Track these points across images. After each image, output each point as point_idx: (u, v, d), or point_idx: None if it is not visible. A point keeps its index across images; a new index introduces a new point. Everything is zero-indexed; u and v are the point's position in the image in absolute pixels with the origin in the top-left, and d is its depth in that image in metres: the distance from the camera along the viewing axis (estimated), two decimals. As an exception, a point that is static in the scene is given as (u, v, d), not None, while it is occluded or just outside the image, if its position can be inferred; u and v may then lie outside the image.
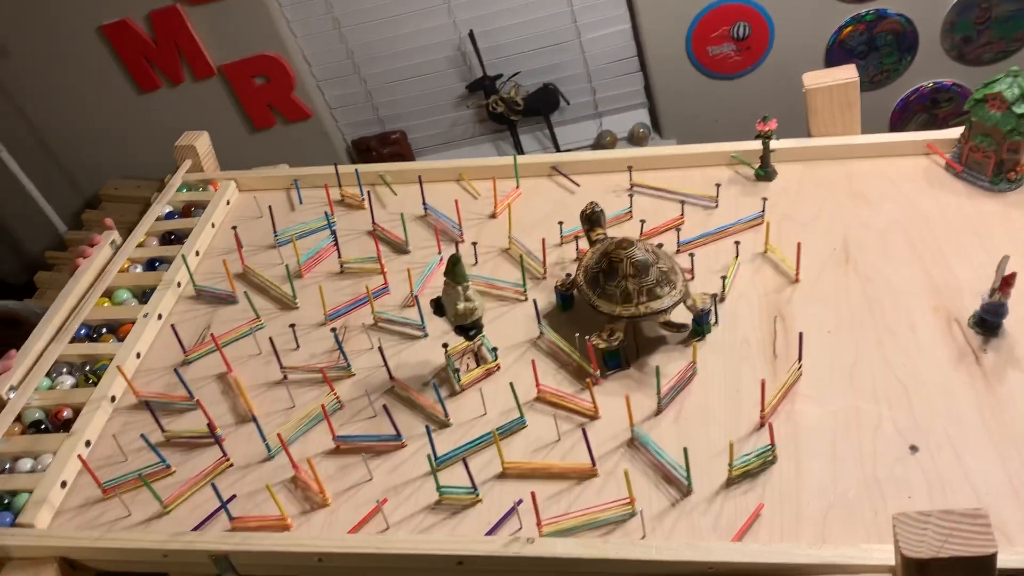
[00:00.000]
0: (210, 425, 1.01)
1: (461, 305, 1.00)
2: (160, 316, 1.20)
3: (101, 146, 2.77)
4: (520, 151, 2.66)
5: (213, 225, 1.35)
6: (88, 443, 1.04)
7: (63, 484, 0.99)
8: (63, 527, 0.96)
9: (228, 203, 1.40)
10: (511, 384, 0.98)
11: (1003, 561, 0.72)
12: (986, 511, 0.72)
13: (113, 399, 1.09)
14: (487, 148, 2.73)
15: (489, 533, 0.88)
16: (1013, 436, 0.88)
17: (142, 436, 1.00)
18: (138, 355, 1.15)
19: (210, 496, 0.95)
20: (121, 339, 1.16)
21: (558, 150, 2.64)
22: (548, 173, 1.35)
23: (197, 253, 1.30)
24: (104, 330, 1.19)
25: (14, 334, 1.20)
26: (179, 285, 1.25)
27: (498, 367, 1.05)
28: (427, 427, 0.95)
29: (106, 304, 1.22)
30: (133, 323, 1.18)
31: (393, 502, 0.93)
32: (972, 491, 0.84)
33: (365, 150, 2.71)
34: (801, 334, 0.97)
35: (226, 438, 1.03)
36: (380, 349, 1.06)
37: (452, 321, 1.02)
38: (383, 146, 2.71)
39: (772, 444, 0.89)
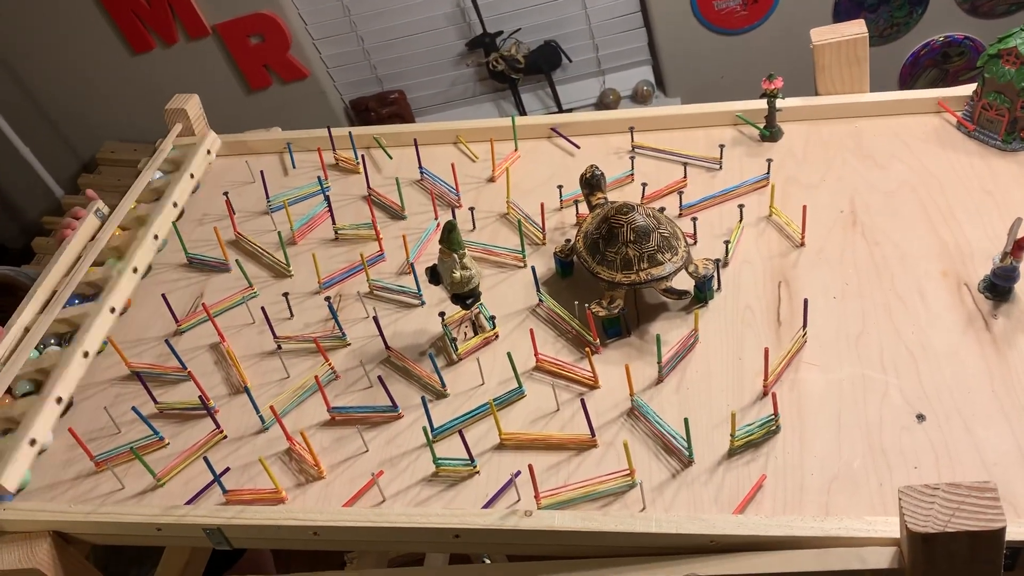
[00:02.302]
0: (203, 397, 0.99)
1: (457, 273, 0.97)
2: (135, 269, 1.18)
3: (96, 109, 2.73)
4: (522, 110, 2.61)
5: (192, 176, 1.32)
6: (59, 400, 1.03)
7: (32, 442, 0.98)
8: (56, 501, 0.95)
9: (208, 153, 1.37)
10: (508, 354, 0.95)
11: (1012, 534, 0.70)
12: (994, 484, 0.70)
13: (86, 354, 1.08)
14: (488, 107, 2.69)
15: (486, 506, 0.86)
16: (1022, 405, 0.86)
17: (133, 409, 0.98)
18: (112, 310, 1.14)
19: (204, 468, 0.93)
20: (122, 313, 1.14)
21: (560, 109, 2.60)
22: (547, 135, 1.32)
23: (175, 204, 1.27)
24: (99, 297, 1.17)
25: (10, 301, 1.18)
26: (156, 238, 1.23)
27: (496, 336, 1.03)
28: (423, 398, 0.93)
29: (95, 272, 1.20)
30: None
31: (389, 474, 0.91)
32: (980, 461, 0.82)
33: (363, 111, 2.66)
34: (806, 300, 0.94)
35: (220, 410, 1.02)
36: (375, 318, 1.03)
37: (448, 290, 1.00)
38: (381, 106, 2.66)
39: (775, 414, 0.87)
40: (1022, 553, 0.74)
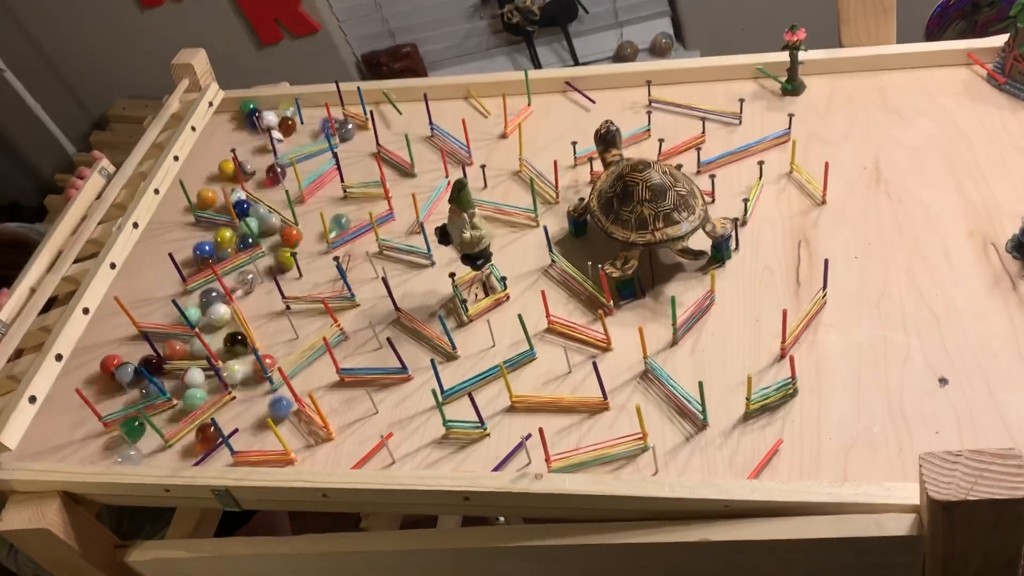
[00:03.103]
0: (210, 358, 0.98)
1: (467, 233, 0.95)
2: (136, 225, 1.16)
3: (106, 66, 2.70)
4: (537, 64, 2.56)
5: (193, 128, 1.30)
6: (59, 357, 1.02)
7: (32, 399, 0.98)
8: (66, 461, 0.95)
9: (211, 105, 1.34)
10: (519, 316, 0.93)
11: (1035, 502, 0.68)
12: (1019, 450, 0.68)
13: (86, 311, 1.07)
14: (502, 61, 2.63)
15: (496, 469, 0.85)
16: (1050, 369, 0.83)
17: (140, 369, 0.98)
18: (112, 265, 1.13)
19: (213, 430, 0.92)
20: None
21: (576, 62, 2.54)
22: (562, 89, 1.28)
23: (176, 159, 1.25)
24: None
25: (25, 258, 1.17)
26: (156, 192, 1.22)
27: (507, 297, 1.01)
28: (432, 360, 0.91)
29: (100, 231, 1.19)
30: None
31: (399, 436, 0.90)
32: (1004, 426, 0.80)
33: (375, 65, 2.62)
34: (827, 261, 0.92)
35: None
36: (384, 279, 1.02)
37: (458, 250, 0.98)
38: (394, 61, 2.61)
39: (793, 377, 0.85)
40: (1046, 521, 0.72)
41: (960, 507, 0.66)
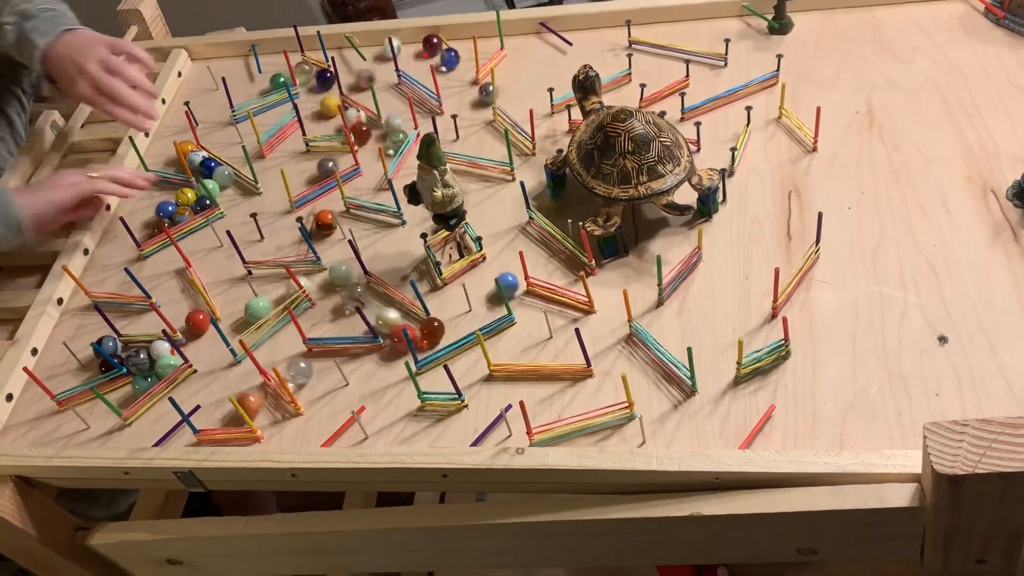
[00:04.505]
0: (166, 331, 0.91)
1: (438, 192, 0.89)
2: (108, 207, 1.09)
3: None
4: (510, 2, 2.46)
5: (164, 101, 1.21)
6: (35, 351, 0.95)
7: (8, 397, 0.91)
8: (17, 444, 0.89)
9: (179, 75, 1.26)
10: (497, 280, 0.88)
11: (1043, 469, 0.64)
12: (1030, 419, 0.64)
13: (60, 301, 1.00)
14: (476, 1, 2.52)
15: (475, 443, 0.81)
16: (1054, 324, 0.79)
17: (93, 345, 0.91)
18: (85, 251, 1.05)
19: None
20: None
21: (553, 2, 2.44)
22: (536, 31, 1.21)
23: (147, 135, 1.17)
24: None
25: None
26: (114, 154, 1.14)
27: (483, 258, 0.95)
28: (404, 331, 0.86)
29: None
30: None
31: (371, 410, 0.85)
32: (1007, 386, 0.76)
33: (340, 5, 2.50)
34: (820, 214, 0.86)
35: (188, 343, 0.94)
36: (351, 242, 0.95)
37: (429, 209, 0.91)
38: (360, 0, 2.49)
39: (786, 338, 0.81)
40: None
41: (967, 480, 0.63)
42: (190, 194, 1.07)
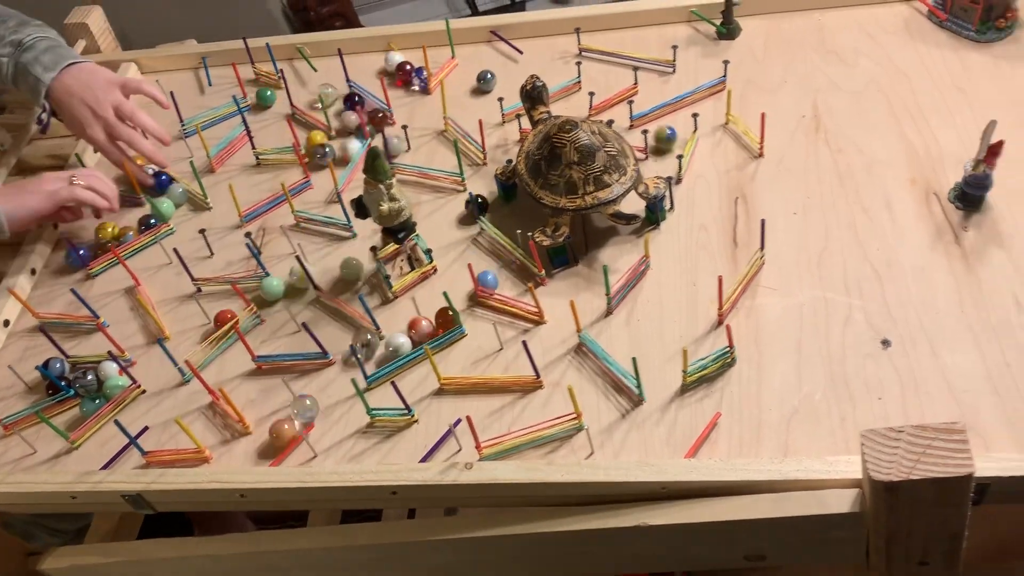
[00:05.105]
0: (111, 352, 0.90)
1: (385, 206, 0.88)
2: (56, 227, 1.08)
3: None
4: (473, 8, 2.45)
5: None
6: None
7: None
8: (-38, 470, 0.88)
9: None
10: (445, 293, 0.88)
11: (981, 470, 0.65)
12: (963, 424, 0.65)
13: (7, 323, 0.98)
14: (438, 4, 2.51)
15: (425, 459, 0.80)
16: (993, 325, 0.80)
17: (39, 368, 0.90)
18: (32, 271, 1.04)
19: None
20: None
21: (514, 3, 2.43)
22: (487, 39, 1.21)
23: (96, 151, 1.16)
24: None
25: None
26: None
27: (434, 270, 0.95)
28: (352, 347, 0.85)
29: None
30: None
31: (320, 427, 0.85)
32: (948, 389, 0.77)
33: (301, 10, 2.48)
34: (763, 221, 0.87)
35: (137, 361, 0.94)
36: (299, 258, 0.95)
37: (377, 223, 0.91)
38: (322, 5, 2.47)
39: (730, 346, 0.81)
40: (990, 488, 0.69)
41: (903, 486, 0.63)
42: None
